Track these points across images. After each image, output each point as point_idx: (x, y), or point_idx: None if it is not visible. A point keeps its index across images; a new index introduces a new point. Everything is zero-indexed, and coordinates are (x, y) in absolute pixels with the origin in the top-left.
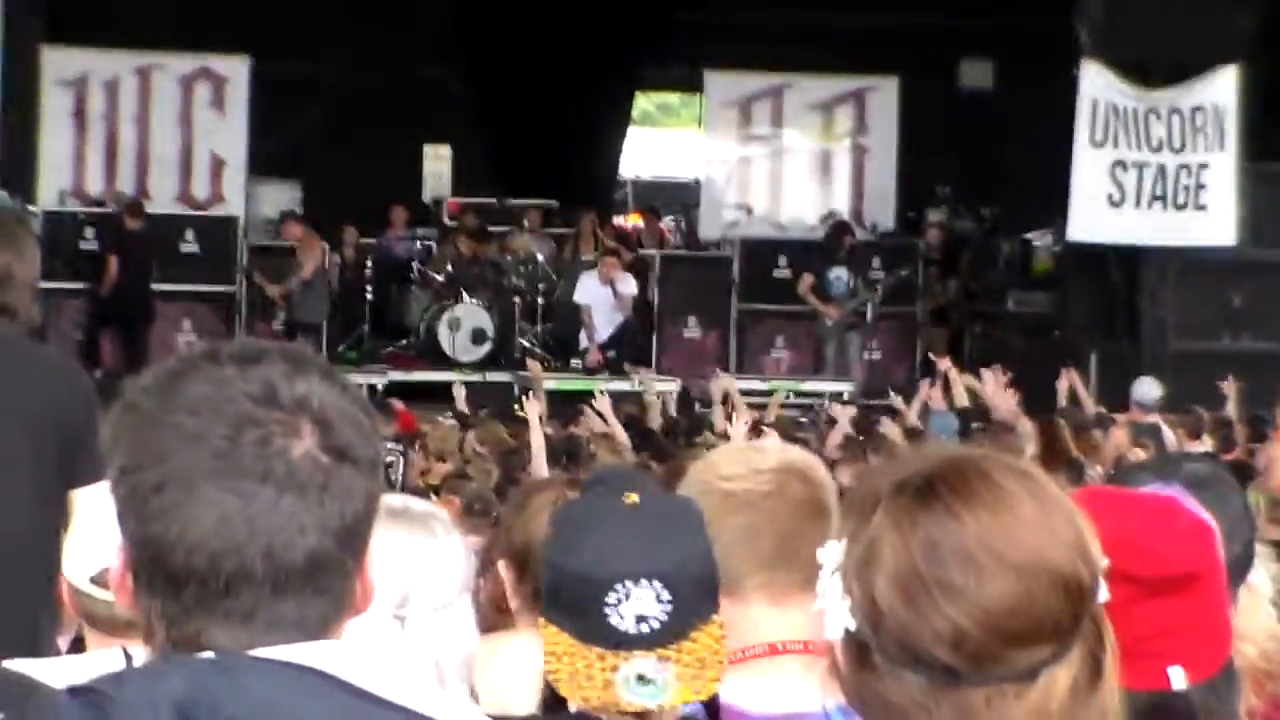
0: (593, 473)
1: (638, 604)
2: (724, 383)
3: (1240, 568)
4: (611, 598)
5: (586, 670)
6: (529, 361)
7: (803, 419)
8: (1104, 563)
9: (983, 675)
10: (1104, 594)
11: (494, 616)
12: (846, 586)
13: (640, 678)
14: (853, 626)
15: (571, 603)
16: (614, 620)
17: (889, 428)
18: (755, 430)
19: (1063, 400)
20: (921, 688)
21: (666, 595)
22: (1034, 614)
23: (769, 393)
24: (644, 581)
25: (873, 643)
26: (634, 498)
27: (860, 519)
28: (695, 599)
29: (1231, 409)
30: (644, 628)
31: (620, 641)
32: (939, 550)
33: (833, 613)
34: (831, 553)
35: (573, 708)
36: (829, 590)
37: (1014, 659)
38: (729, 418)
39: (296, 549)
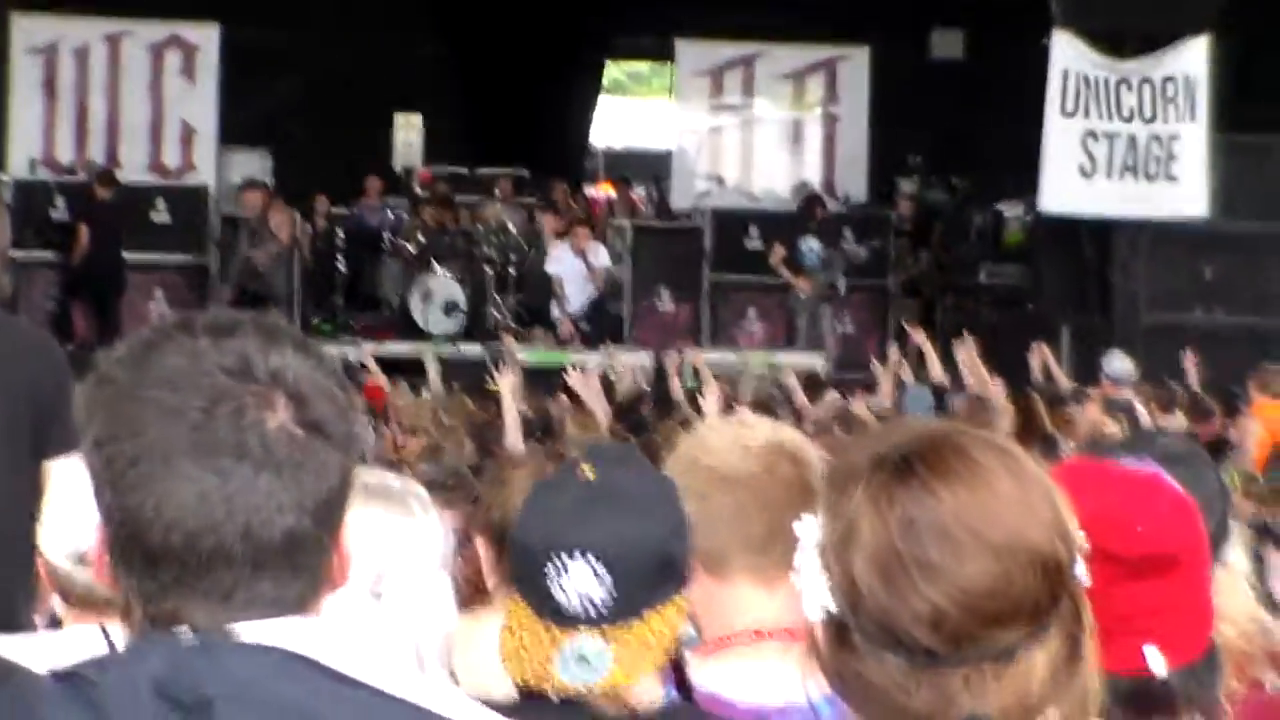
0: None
1: (577, 580)
2: (690, 358)
3: (1216, 545)
4: (550, 570)
5: (533, 645)
6: (504, 335)
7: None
8: (1082, 540)
9: (961, 656)
10: (1082, 572)
11: (471, 594)
12: (825, 564)
13: (581, 657)
14: (832, 607)
15: (521, 574)
16: (559, 596)
17: (859, 407)
18: (727, 405)
19: (1036, 375)
20: (901, 668)
21: (604, 571)
22: (1012, 594)
23: (742, 365)
24: (578, 555)
25: (852, 623)
26: (589, 471)
27: (839, 495)
28: (646, 579)
29: (1192, 382)
30: (589, 605)
31: (567, 618)
32: (916, 528)
33: (811, 592)
34: (809, 528)
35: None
36: (807, 567)
37: (992, 639)
38: (696, 394)
39: (274, 527)
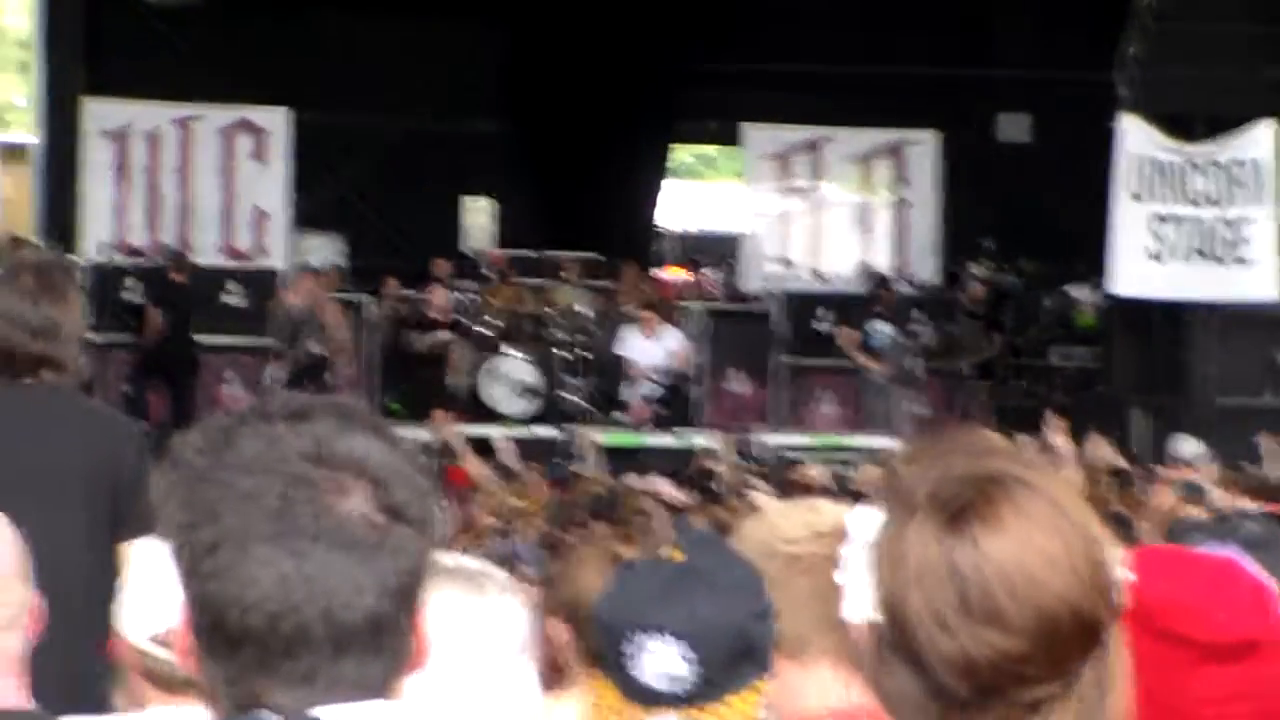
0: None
1: (663, 660)
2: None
3: None
4: (629, 649)
5: None
6: (579, 430)
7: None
8: (1124, 579)
9: (986, 704)
10: (1120, 600)
11: (548, 675)
12: (874, 575)
13: None
14: (874, 616)
15: (604, 654)
16: (643, 675)
17: None
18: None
19: (1092, 460)
20: (924, 699)
21: (691, 654)
22: (1049, 656)
23: (813, 448)
24: (664, 636)
25: (888, 639)
26: (677, 553)
27: (897, 516)
28: (730, 661)
29: (1273, 465)
30: (675, 687)
31: (650, 698)
32: (964, 582)
33: (856, 593)
34: (861, 523)
35: None
36: (854, 563)
37: (1021, 694)
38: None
39: (355, 609)
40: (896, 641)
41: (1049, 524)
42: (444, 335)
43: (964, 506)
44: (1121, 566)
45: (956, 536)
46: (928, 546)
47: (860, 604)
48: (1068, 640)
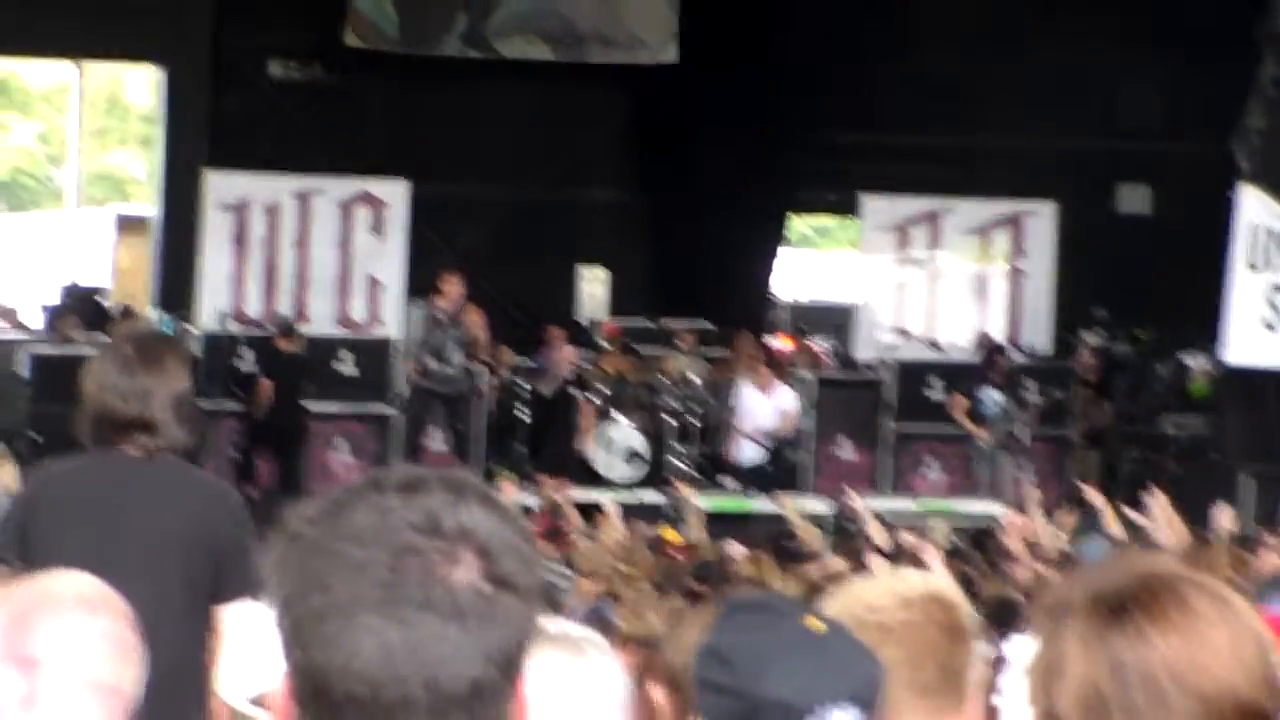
0: (741, 598)
1: None
2: (854, 504)
3: None
4: None
5: None
6: (677, 483)
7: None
8: None
9: None
10: None
11: None
12: (1032, 694)
13: None
14: None
15: None
16: None
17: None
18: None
19: (1219, 532)
20: None
21: (860, 716)
22: None
23: (921, 514)
24: (844, 704)
25: None
26: (819, 622)
27: (1052, 626)
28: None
29: None
30: None
31: None
32: (1125, 673)
33: (1012, 714)
34: (1020, 650)
35: None
36: (1011, 689)
37: None
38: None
39: (459, 679)
40: None
41: (1214, 616)
42: (573, 387)
43: (1126, 603)
44: None
45: (1119, 631)
46: (1089, 645)
47: None
48: None
